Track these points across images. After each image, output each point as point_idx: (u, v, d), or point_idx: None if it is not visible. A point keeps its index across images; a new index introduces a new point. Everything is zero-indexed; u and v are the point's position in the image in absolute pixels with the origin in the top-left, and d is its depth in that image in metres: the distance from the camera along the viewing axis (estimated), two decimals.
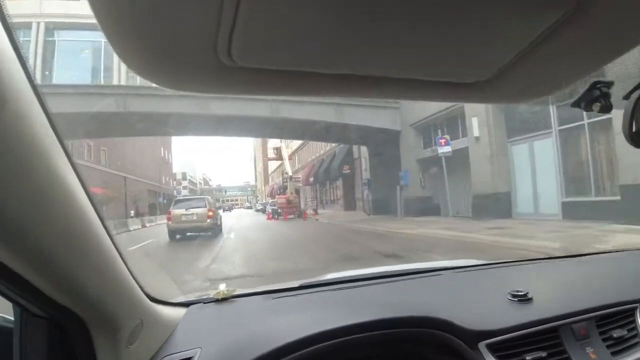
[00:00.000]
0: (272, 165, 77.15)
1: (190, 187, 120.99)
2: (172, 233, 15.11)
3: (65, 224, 0.73)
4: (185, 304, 1.44)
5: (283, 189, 51.29)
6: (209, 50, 0.56)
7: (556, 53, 0.64)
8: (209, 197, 19.54)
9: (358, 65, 0.65)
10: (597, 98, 0.84)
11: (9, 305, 0.82)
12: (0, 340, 0.89)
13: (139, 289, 1.07)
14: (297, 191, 31.87)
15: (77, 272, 0.78)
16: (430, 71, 0.69)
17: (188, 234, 15.20)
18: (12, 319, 0.87)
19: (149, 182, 54.18)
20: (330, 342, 1.13)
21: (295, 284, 1.67)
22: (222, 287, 1.54)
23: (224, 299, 1.48)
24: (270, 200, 41.12)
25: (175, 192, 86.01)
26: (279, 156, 42.12)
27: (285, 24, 0.53)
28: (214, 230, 16.04)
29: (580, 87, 0.86)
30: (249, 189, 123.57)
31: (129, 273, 0.99)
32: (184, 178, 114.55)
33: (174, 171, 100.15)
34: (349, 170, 28.83)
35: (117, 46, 0.54)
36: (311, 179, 39.59)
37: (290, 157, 40.91)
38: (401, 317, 1.23)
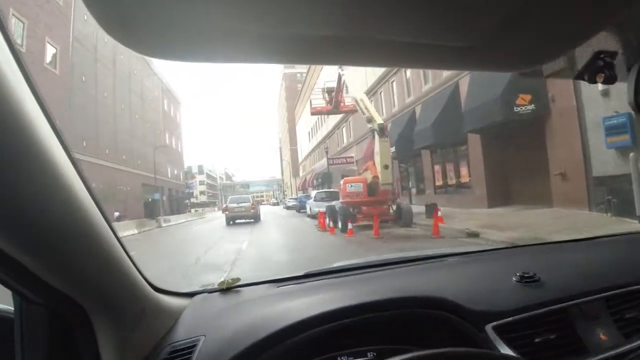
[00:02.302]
0: (303, 151, 61.84)
1: (209, 182, 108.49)
2: (228, 220, 23.03)
3: (64, 213, 0.74)
4: (190, 294, 1.45)
5: (325, 177, 36.24)
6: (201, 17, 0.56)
7: (547, 17, 0.64)
8: (251, 196, 28.21)
9: (348, 25, 0.63)
10: (600, 69, 0.82)
11: (8, 294, 0.82)
12: (1, 330, 0.91)
13: (140, 277, 1.07)
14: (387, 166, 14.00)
15: (75, 260, 0.80)
16: (425, 32, 0.68)
17: (237, 221, 22.77)
18: (12, 308, 0.87)
19: (142, 174, 39.53)
20: (334, 323, 1.12)
21: (301, 273, 1.65)
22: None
23: (228, 289, 1.48)
24: (315, 192, 24.69)
25: (188, 188, 73.63)
26: (335, 102, 23.96)
27: None
28: (255, 218, 23.45)
29: (583, 58, 0.84)
30: (275, 183, 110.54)
31: (129, 261, 1.00)
32: (201, 172, 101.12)
33: (188, 164, 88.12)
34: (530, 107, 11.52)
35: (99, 18, 0.53)
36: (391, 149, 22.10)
37: (352, 108, 22.74)
38: (406, 297, 1.22)
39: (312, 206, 22.19)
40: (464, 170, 17.19)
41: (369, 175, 14.41)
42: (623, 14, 0.67)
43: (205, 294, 1.47)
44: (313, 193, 24.43)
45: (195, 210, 61.43)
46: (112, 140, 33.35)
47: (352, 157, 31.46)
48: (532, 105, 11.57)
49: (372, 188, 14.16)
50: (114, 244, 0.91)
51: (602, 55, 0.81)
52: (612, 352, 1.20)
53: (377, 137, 13.74)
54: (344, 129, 35.23)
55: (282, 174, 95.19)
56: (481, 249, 2.05)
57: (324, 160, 33.28)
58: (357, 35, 0.65)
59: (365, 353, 1.13)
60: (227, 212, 23.51)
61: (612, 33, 0.74)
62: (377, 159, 13.70)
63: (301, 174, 65.88)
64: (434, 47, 0.71)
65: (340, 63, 0.81)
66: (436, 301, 1.21)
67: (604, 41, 0.79)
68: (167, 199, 50.40)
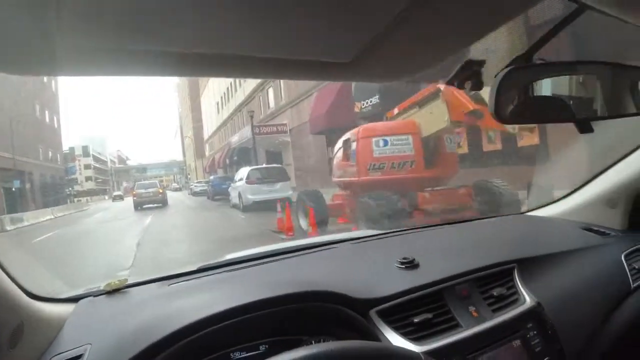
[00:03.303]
0: (210, 127, 53.42)
1: (97, 165, 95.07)
2: (136, 205, 23.03)
3: None
4: (74, 299, 1.36)
5: (243, 153, 27.96)
6: (45, 31, 0.56)
7: (416, 34, 0.72)
8: (158, 181, 29.14)
9: (230, 44, 0.68)
10: (469, 76, 0.90)
11: None
12: None
13: (14, 286, 1.03)
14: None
15: None
16: (300, 50, 0.75)
17: (145, 206, 22.60)
18: None
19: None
20: (224, 323, 1.12)
21: (194, 267, 1.61)
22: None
23: (115, 290, 1.40)
24: (248, 170, 15.73)
25: (68, 173, 61.69)
26: None
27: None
28: (163, 202, 23.79)
29: (455, 65, 0.91)
30: (176, 166, 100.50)
31: (0, 271, 0.97)
32: (86, 154, 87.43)
33: (70, 144, 75.51)
34: None
35: None
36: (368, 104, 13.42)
37: None
38: (295, 292, 1.25)
39: (246, 192, 14.37)
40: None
41: (433, 119, 6.66)
42: (487, 31, 0.72)
43: (91, 297, 1.38)
44: (243, 171, 16.20)
45: (78, 201, 50.60)
46: None
47: (284, 124, 24.09)
48: None
49: (430, 148, 6.74)
50: None
51: (471, 64, 0.88)
52: (482, 327, 1.31)
53: None
54: (270, 90, 27.34)
55: (184, 155, 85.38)
56: (371, 234, 2.05)
57: (246, 130, 25.40)
58: (238, 53, 0.70)
59: (257, 347, 1.16)
60: (135, 198, 23.99)
61: (480, 44, 0.78)
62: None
63: (208, 153, 57.29)
64: (311, 63, 0.78)
65: (221, 76, 0.82)
66: (324, 295, 1.26)
67: (473, 50, 0.85)
68: (37, 187, 39.62)
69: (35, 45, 0.57)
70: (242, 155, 30.11)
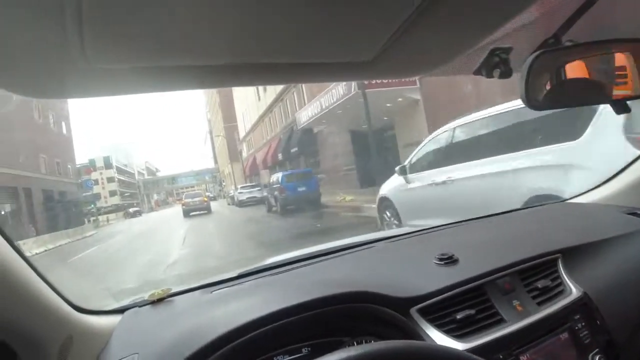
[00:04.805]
0: (247, 122, 43.31)
1: (122, 178, 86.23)
2: (185, 212, 25.73)
3: None
4: (120, 311, 1.37)
5: (313, 137, 15.94)
6: (63, 55, 0.58)
7: (437, 27, 0.71)
8: (202, 190, 35.45)
9: (236, 54, 0.68)
10: (496, 64, 0.89)
11: None
12: None
13: (62, 301, 1.05)
14: None
15: None
16: (320, 54, 0.75)
17: (191, 213, 25.13)
18: None
19: None
20: (266, 327, 1.12)
21: (234, 273, 1.60)
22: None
23: (159, 300, 1.41)
24: None
25: (84, 187, 53.11)
26: None
27: (140, 15, 0.53)
28: (208, 209, 26.86)
29: (480, 54, 0.90)
30: (208, 174, 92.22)
31: (48, 287, 0.98)
32: (108, 165, 78.74)
33: (89, 156, 67.15)
34: None
35: None
36: None
37: None
38: (333, 294, 1.23)
39: None
40: None
41: None
42: (510, 16, 0.71)
43: (136, 308, 1.38)
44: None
45: (95, 220, 41.15)
46: None
47: None
48: None
49: None
50: (23, 269, 0.87)
51: (497, 52, 0.87)
52: (528, 321, 1.25)
53: None
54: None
55: (216, 161, 76.23)
56: (407, 231, 1.97)
57: (336, 90, 14.70)
58: (258, 61, 0.72)
59: (300, 349, 1.15)
60: (184, 206, 26.96)
61: (504, 30, 0.77)
62: None
63: (245, 154, 47.29)
64: (332, 65, 0.80)
65: (241, 85, 0.81)
66: (363, 295, 1.24)
67: (498, 37, 0.82)
68: (38, 207, 30.14)
69: (61, 69, 0.58)
70: (306, 143, 19.87)
